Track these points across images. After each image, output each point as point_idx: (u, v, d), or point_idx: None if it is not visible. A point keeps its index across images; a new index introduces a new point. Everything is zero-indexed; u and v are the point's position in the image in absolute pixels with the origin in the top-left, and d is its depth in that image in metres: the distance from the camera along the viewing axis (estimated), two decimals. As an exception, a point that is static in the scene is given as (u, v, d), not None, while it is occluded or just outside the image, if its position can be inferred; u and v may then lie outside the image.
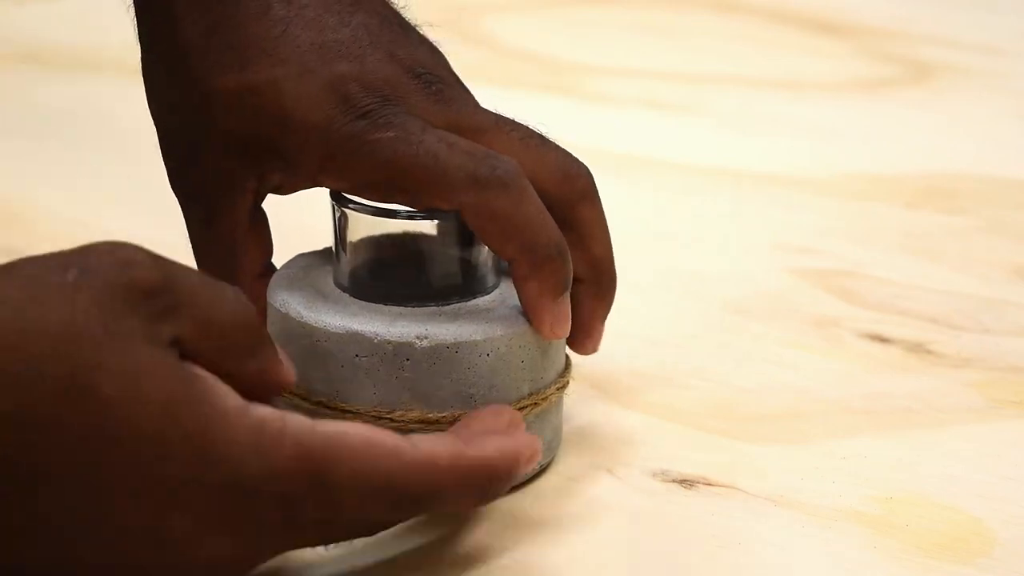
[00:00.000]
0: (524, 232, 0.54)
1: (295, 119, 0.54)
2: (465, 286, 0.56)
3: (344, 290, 0.56)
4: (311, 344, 0.54)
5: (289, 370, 0.49)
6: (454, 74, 0.58)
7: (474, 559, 0.52)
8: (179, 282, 0.46)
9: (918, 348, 0.68)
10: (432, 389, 0.54)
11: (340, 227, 0.56)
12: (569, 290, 0.55)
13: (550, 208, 0.55)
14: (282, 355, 0.49)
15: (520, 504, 0.56)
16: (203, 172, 0.56)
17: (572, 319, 0.56)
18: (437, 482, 0.47)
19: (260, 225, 0.58)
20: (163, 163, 0.58)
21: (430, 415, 0.54)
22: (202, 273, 0.47)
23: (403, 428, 0.53)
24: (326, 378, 0.54)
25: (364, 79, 0.55)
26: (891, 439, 0.61)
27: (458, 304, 0.56)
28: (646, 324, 0.70)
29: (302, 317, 0.55)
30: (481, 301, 0.56)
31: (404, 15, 0.58)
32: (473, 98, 0.57)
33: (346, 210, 0.56)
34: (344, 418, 0.53)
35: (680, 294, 0.74)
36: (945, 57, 1.13)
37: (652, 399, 0.63)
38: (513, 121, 0.57)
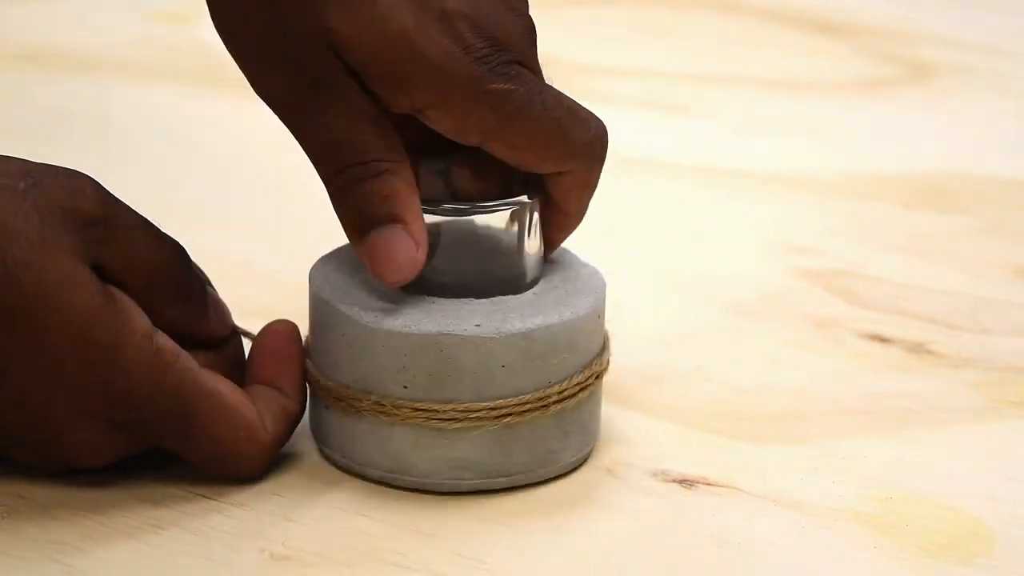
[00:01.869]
0: (591, 196, 0.57)
1: (416, 47, 0.53)
2: (513, 281, 0.56)
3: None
4: (442, 353, 0.54)
5: (220, 322, 0.56)
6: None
7: (474, 559, 0.52)
8: (119, 219, 0.52)
9: (918, 348, 0.68)
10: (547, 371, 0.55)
11: None
12: None
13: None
14: (218, 308, 0.56)
15: (519, 504, 0.56)
16: (309, 61, 0.53)
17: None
18: (265, 462, 0.55)
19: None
20: (241, 68, 0.55)
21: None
22: (145, 219, 0.53)
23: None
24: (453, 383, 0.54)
25: (474, 18, 0.54)
26: (891, 439, 0.61)
27: (501, 298, 0.56)
28: (646, 324, 0.70)
29: (446, 333, 0.54)
30: (522, 297, 0.56)
31: None
32: None
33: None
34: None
35: (680, 294, 0.74)
36: (945, 57, 1.13)
37: (652, 399, 0.63)
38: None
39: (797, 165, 0.91)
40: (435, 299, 0.55)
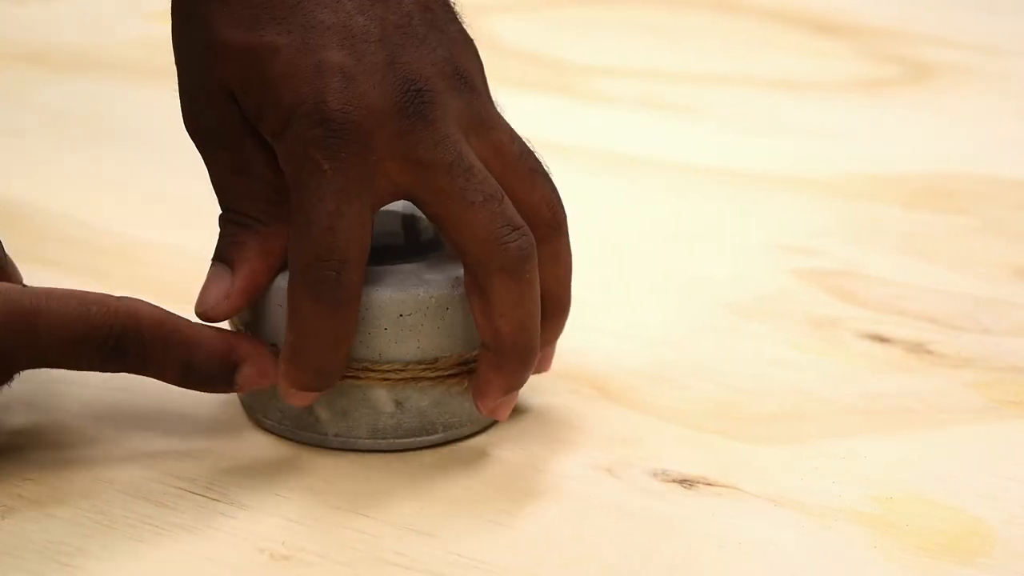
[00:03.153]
0: (514, 325, 0.56)
1: (277, 90, 0.54)
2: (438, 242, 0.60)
3: None
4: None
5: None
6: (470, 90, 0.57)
7: (473, 559, 0.52)
8: None
9: (918, 348, 0.68)
10: (468, 330, 0.57)
11: None
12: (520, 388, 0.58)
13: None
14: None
15: (519, 504, 0.56)
16: (213, 113, 0.57)
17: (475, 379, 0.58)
18: (146, 339, 0.55)
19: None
20: (179, 103, 0.58)
21: (467, 355, 0.58)
22: None
23: (443, 376, 0.58)
24: (367, 342, 0.56)
25: (350, 72, 0.54)
26: (891, 439, 0.61)
27: (437, 256, 0.59)
28: (646, 324, 0.70)
29: None
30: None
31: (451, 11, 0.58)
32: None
33: None
34: (388, 376, 0.57)
35: (680, 294, 0.74)
36: (945, 57, 1.13)
37: (652, 399, 0.63)
38: (525, 150, 0.58)
39: (797, 165, 0.91)
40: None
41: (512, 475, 0.58)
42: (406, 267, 0.58)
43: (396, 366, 0.57)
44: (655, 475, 0.58)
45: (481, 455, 0.59)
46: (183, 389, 0.56)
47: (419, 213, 0.59)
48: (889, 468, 0.59)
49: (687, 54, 1.15)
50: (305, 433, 0.59)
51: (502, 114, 0.58)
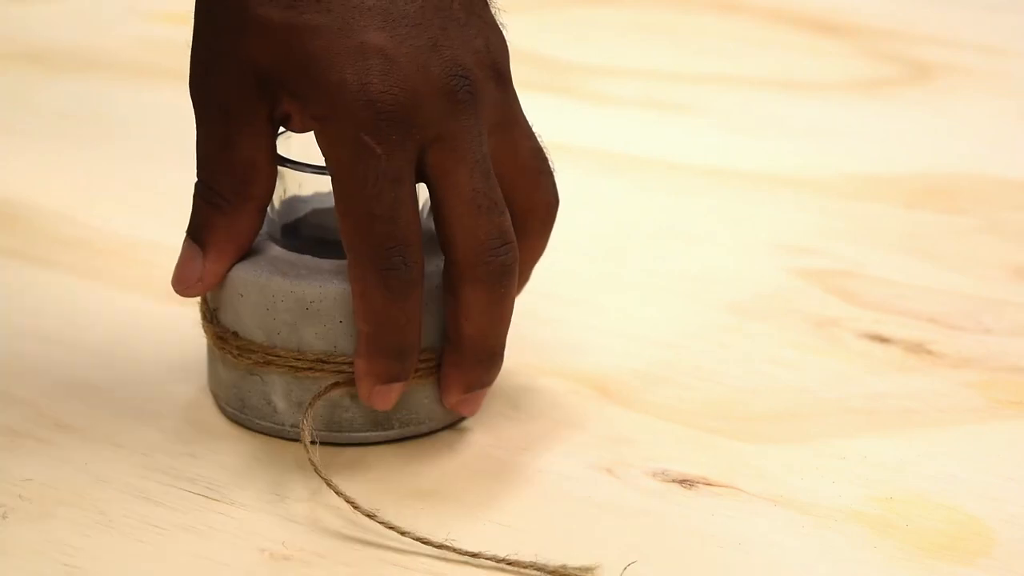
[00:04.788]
0: (478, 331, 0.57)
1: (318, 70, 0.54)
2: None
3: (288, 249, 0.59)
4: (305, 307, 0.57)
5: None
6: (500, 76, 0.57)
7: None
8: None
9: (918, 348, 0.68)
10: (426, 327, 0.57)
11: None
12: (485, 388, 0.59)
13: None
14: None
15: (519, 504, 0.56)
16: (224, 86, 0.56)
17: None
18: None
19: (272, 163, 0.58)
20: (188, 66, 0.58)
21: (424, 353, 0.58)
22: None
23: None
24: (323, 335, 0.57)
25: (392, 54, 0.54)
26: (891, 439, 0.61)
27: None
28: (646, 324, 0.70)
29: (292, 284, 0.57)
30: None
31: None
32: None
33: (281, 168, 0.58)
34: (343, 369, 0.57)
35: (680, 294, 0.74)
36: (945, 57, 1.13)
37: (652, 399, 0.63)
38: (537, 149, 0.58)
39: (797, 165, 0.91)
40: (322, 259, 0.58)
41: (512, 475, 0.58)
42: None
43: (352, 359, 0.57)
44: (655, 475, 0.58)
45: (481, 455, 0.59)
46: (183, 390, 0.56)
47: None
48: (889, 468, 0.59)
49: (687, 54, 1.15)
50: (264, 423, 0.59)
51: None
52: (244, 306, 0.58)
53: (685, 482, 0.57)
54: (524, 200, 0.58)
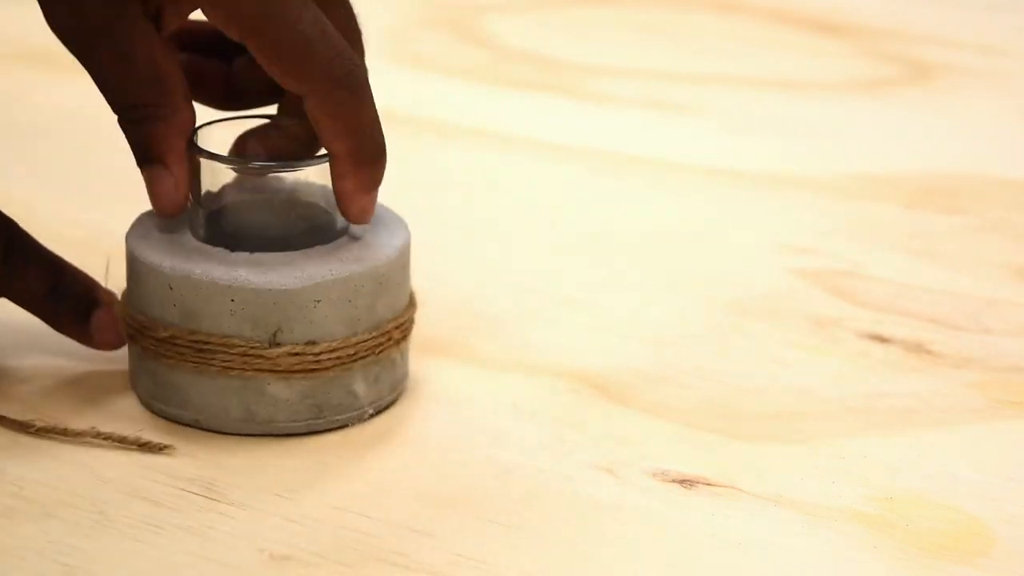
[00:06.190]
0: (356, 135, 0.57)
1: None
2: (316, 233, 0.60)
3: (204, 241, 0.60)
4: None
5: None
6: None
7: (473, 559, 0.52)
8: None
9: (918, 348, 0.68)
10: (340, 318, 0.58)
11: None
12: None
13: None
14: None
15: (519, 504, 0.56)
16: (85, 7, 0.57)
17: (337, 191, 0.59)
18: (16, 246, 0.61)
19: (172, 49, 0.58)
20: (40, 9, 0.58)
21: (335, 344, 0.58)
22: None
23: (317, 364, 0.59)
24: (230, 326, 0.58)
25: None
26: (891, 439, 0.61)
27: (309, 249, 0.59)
28: (646, 324, 0.70)
29: (268, 285, 0.58)
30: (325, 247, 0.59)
31: None
32: None
33: (201, 159, 0.59)
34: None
35: (680, 294, 0.74)
36: (945, 57, 1.13)
37: (652, 399, 0.63)
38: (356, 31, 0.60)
39: (797, 165, 0.91)
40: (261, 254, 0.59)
41: (512, 475, 0.58)
42: (282, 256, 0.59)
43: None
44: (655, 475, 0.58)
45: (480, 455, 0.59)
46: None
47: (296, 201, 0.60)
48: (889, 468, 0.59)
49: (687, 54, 1.15)
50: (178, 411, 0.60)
51: None
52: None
53: (685, 482, 0.57)
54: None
